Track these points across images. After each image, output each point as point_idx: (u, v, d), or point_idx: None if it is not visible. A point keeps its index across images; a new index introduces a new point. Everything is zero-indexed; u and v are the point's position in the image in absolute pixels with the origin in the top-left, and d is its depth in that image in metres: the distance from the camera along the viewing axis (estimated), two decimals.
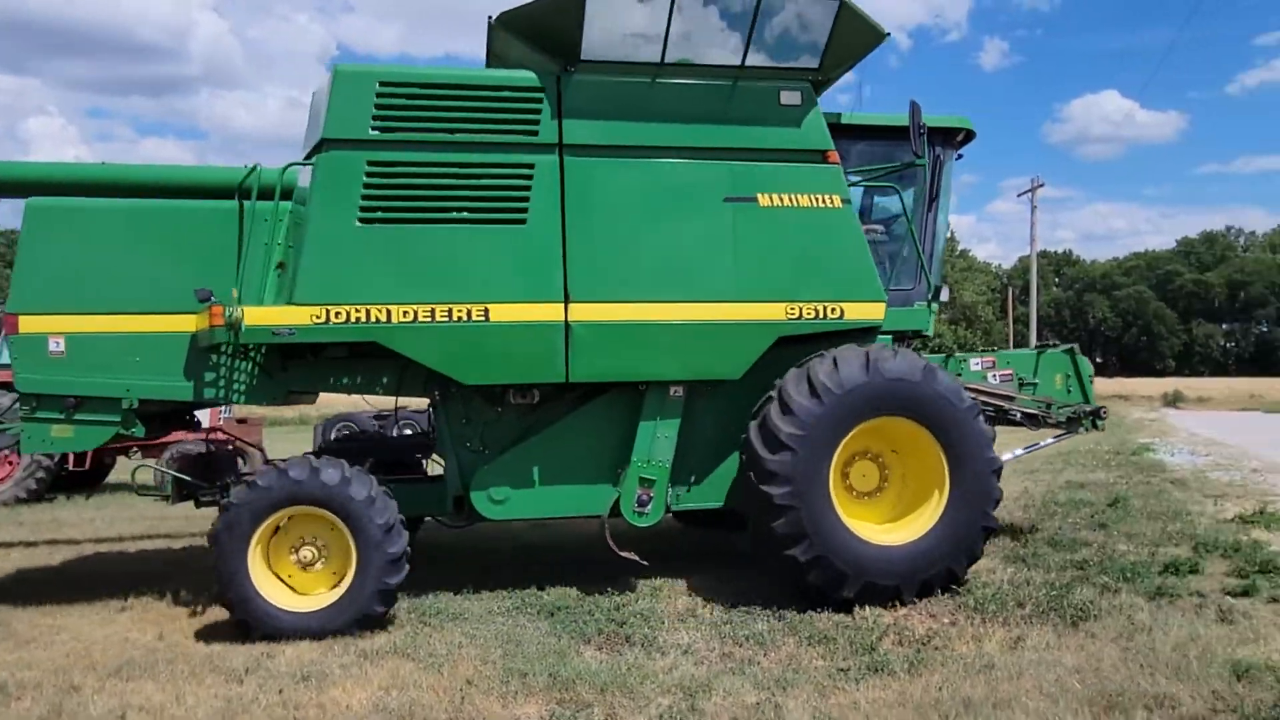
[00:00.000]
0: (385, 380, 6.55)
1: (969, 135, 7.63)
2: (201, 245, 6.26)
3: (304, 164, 6.27)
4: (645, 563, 6.20)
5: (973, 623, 5.41)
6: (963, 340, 43.93)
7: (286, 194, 6.50)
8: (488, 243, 6.19)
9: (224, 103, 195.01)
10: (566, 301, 6.11)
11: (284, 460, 5.72)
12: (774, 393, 6.04)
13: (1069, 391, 7.51)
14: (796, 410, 5.83)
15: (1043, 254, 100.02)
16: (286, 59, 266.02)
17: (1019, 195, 44.89)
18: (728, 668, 4.76)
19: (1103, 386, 53.81)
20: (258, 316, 5.90)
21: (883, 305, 6.50)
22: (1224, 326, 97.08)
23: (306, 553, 5.66)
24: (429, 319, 6.02)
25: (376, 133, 6.04)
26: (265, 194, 6.24)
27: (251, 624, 5.43)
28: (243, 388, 6.40)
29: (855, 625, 5.43)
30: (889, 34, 6.56)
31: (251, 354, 6.34)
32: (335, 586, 5.59)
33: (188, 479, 6.62)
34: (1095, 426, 7.50)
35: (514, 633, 5.41)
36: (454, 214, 6.15)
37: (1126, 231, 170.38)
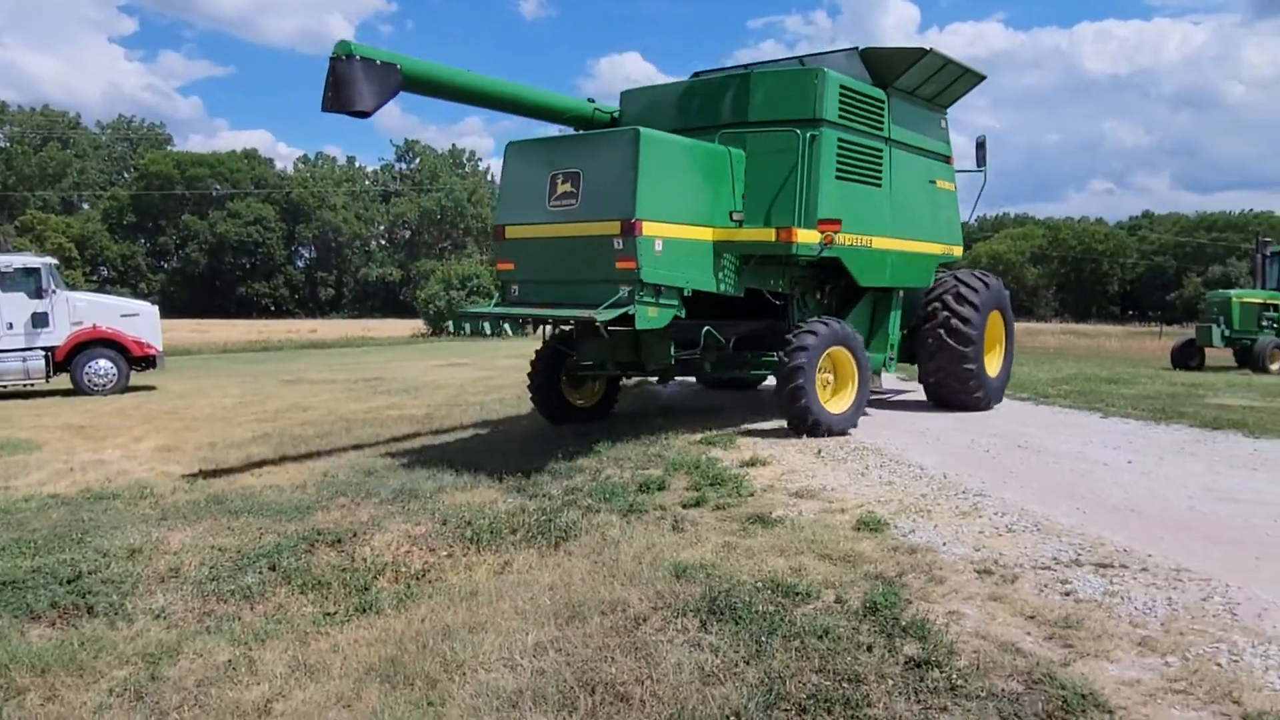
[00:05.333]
0: (800, 279, 10.03)
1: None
2: (722, 177, 8.90)
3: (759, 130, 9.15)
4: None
5: (468, 553, 5.65)
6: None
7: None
8: (864, 198, 9.72)
9: None
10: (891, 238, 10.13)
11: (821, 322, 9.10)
12: (944, 291, 10.88)
13: None
14: (972, 299, 10.81)
15: None
16: None
17: None
18: (204, 627, 4.48)
19: None
20: (807, 235, 8.90)
21: (961, 249, 11.69)
22: None
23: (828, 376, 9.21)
24: (857, 244, 9.63)
25: (845, 117, 9.33)
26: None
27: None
28: (731, 283, 9.07)
29: (353, 567, 5.39)
30: (986, 76, 11.19)
31: (741, 259, 9.12)
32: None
33: None
34: None
35: None
36: (859, 175, 9.61)
37: None
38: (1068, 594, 4.42)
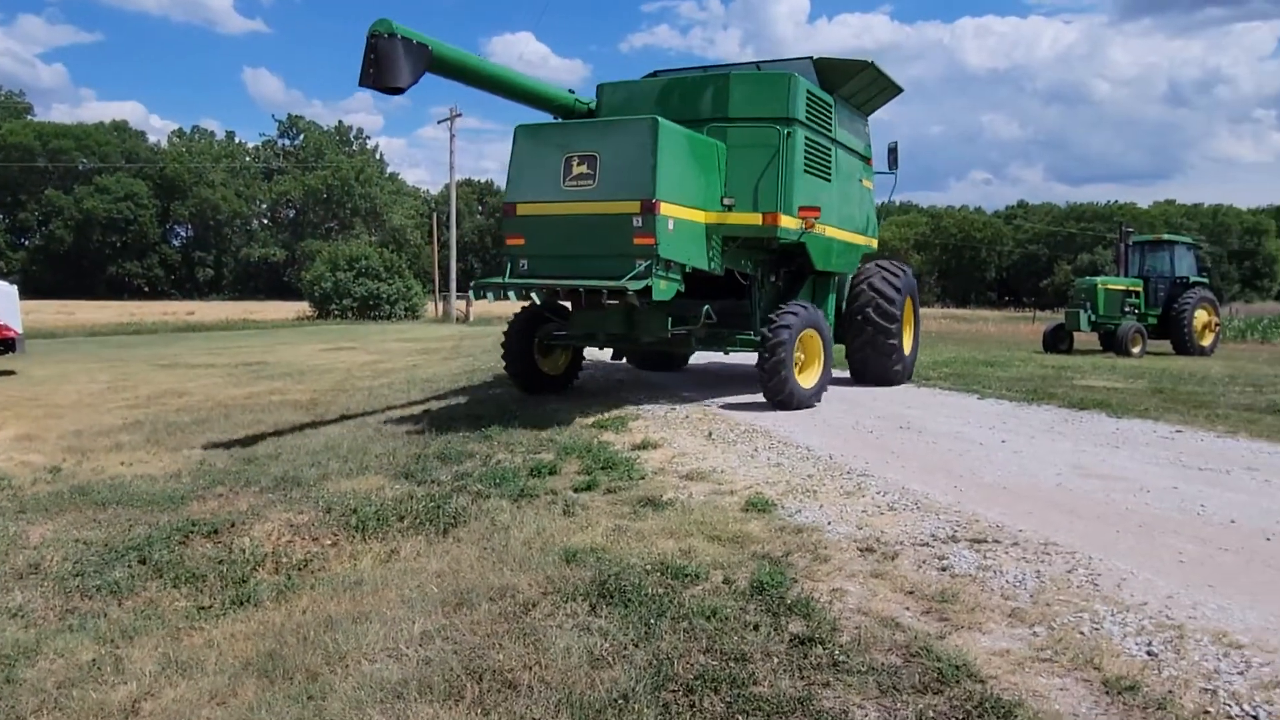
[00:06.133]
0: (763, 263, 11.22)
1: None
2: (713, 167, 9.82)
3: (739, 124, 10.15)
4: None
5: (353, 541, 5.50)
6: (389, 263, 44.36)
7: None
8: (821, 190, 10.83)
9: None
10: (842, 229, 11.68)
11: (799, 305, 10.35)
12: (870, 276, 12.18)
13: None
14: (895, 283, 12.13)
15: (467, 182, 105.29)
16: None
17: (439, 122, 46.37)
18: (66, 626, 4.23)
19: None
20: (790, 221, 10.08)
21: (876, 243, 13.23)
22: None
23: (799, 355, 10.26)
24: (816, 232, 10.72)
25: (810, 118, 10.47)
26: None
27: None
28: (717, 263, 9.97)
29: (230, 559, 5.19)
30: (903, 89, 12.68)
31: (725, 241, 10.03)
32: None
33: None
34: None
35: None
36: (816, 170, 10.73)
37: None
38: (944, 569, 4.58)
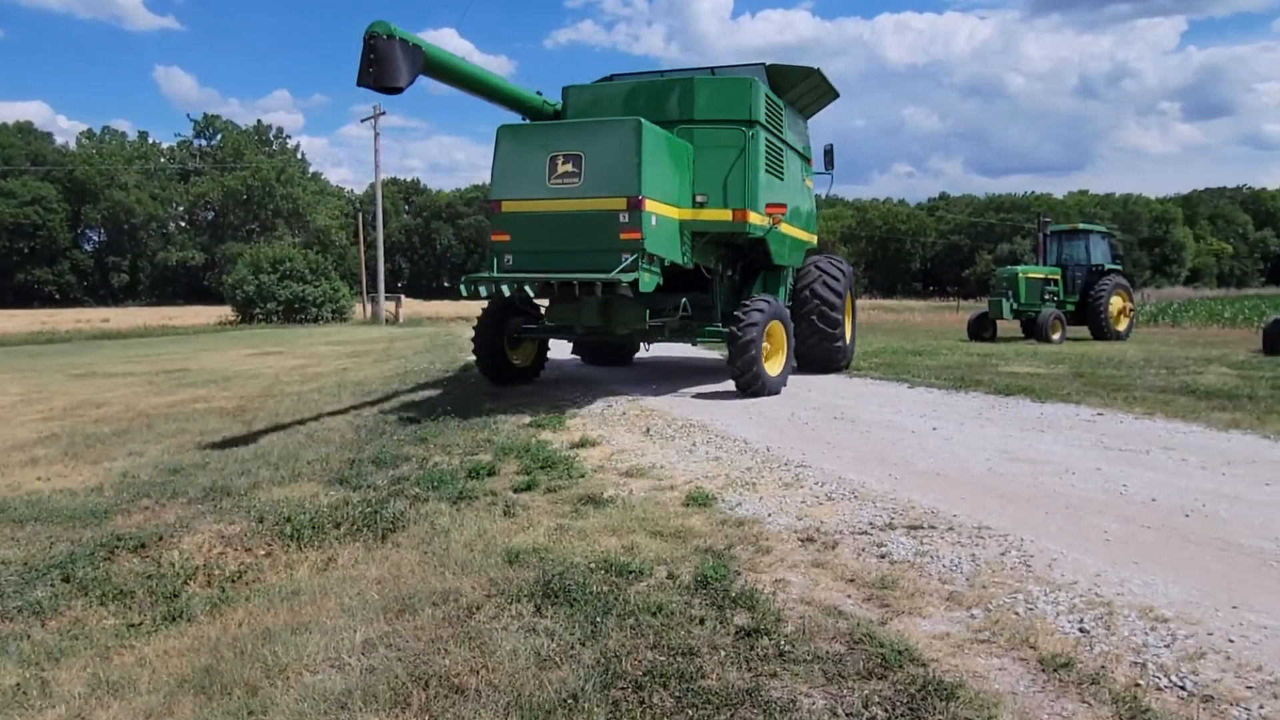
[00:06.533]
0: (723, 258, 11.80)
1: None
2: (685, 166, 10.49)
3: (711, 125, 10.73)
4: None
5: (288, 551, 5.37)
6: (315, 265, 43.49)
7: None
8: (779, 189, 11.48)
9: None
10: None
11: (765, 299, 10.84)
12: (813, 280, 12.64)
13: None
14: (836, 287, 12.66)
15: (393, 181, 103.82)
16: None
17: (362, 121, 45.65)
18: None
19: (448, 309, 57.90)
20: (757, 218, 10.82)
21: (815, 239, 13.95)
22: None
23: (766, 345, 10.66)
24: (776, 228, 11.39)
25: (768, 121, 11.06)
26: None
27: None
28: (688, 257, 10.56)
29: (159, 574, 5.02)
30: (840, 94, 13.38)
31: (694, 236, 10.61)
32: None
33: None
34: None
35: None
36: (773, 170, 11.36)
37: (466, 164, 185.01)
38: (883, 556, 4.66)
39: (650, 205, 9.40)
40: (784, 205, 11.25)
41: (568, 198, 9.51)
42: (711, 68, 11.84)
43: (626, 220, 9.27)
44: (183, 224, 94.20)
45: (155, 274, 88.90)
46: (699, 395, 10.78)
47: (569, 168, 9.51)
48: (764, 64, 11.80)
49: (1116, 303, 23.18)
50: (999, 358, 16.05)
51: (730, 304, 11.42)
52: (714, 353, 16.50)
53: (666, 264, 9.92)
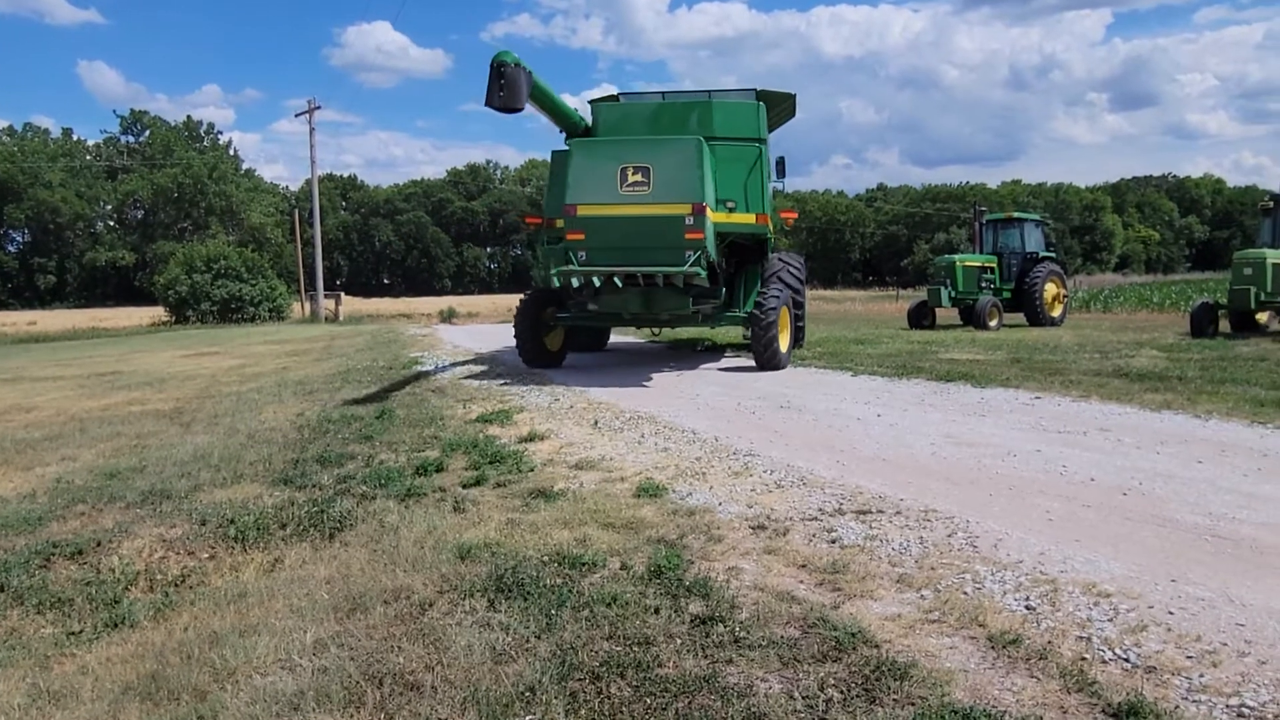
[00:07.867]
0: (725, 254, 13.15)
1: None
2: (714, 177, 12.07)
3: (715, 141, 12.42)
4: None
5: (232, 553, 5.26)
6: (250, 263, 42.57)
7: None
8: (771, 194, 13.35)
9: None
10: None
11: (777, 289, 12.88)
12: (779, 270, 14.21)
13: None
14: (800, 276, 14.62)
15: (329, 177, 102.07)
16: None
17: (296, 116, 44.74)
18: None
19: (389, 306, 57.22)
20: (771, 221, 13.29)
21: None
22: (488, 249, 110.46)
23: None
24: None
25: (767, 135, 13.15)
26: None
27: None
28: (717, 253, 12.18)
29: (99, 580, 4.88)
30: (796, 115, 15.77)
31: (719, 236, 12.27)
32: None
33: None
34: None
35: None
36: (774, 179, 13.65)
37: (404, 160, 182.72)
38: (834, 541, 4.71)
39: (709, 211, 11.13)
40: (795, 211, 13.47)
41: (638, 203, 11.13)
42: (708, 91, 13.64)
43: (692, 223, 10.93)
44: (111, 223, 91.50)
45: (84, 275, 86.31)
46: (639, 389, 10.81)
47: (639, 177, 11.12)
48: (755, 89, 13.69)
49: (1051, 289, 23.72)
50: (939, 345, 16.34)
51: (731, 292, 13.47)
52: (660, 342, 16.54)
53: (712, 259, 11.53)
